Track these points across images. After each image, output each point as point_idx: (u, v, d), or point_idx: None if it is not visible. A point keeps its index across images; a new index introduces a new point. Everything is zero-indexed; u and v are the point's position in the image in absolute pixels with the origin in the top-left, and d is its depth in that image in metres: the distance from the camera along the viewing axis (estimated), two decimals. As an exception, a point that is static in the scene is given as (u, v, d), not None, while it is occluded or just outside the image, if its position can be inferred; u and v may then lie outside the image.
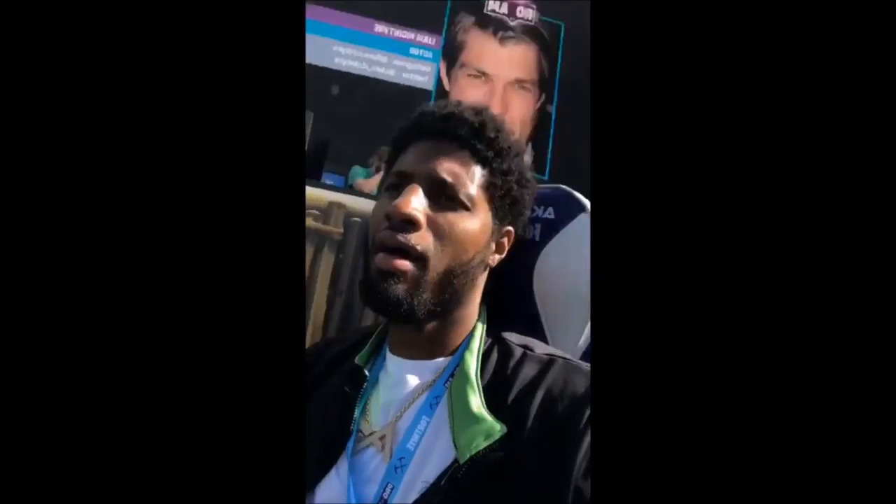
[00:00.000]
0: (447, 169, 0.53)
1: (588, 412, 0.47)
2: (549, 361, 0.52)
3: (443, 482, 0.47)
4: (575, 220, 0.60)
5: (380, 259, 0.51)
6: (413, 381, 0.54)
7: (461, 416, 0.49)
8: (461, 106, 0.57)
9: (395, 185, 0.54)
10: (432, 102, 0.62)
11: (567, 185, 0.64)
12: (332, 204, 1.22)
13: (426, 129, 0.56)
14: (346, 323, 1.13)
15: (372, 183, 3.72)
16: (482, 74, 3.67)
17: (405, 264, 0.50)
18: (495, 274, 0.57)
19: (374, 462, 0.51)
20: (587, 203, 0.61)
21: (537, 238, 0.60)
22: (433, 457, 0.49)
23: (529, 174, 0.59)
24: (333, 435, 0.53)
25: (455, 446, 0.48)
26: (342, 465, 0.51)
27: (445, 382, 0.52)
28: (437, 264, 0.51)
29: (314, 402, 0.57)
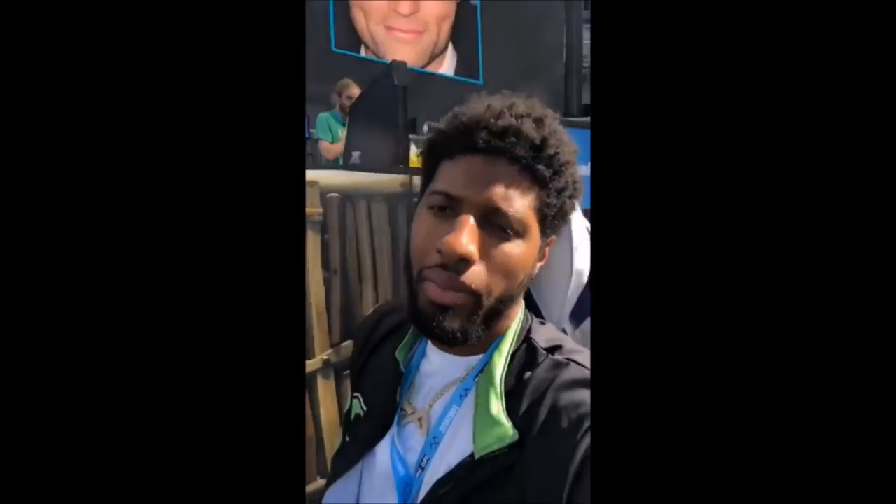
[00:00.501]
0: (504, 196, 0.50)
1: (586, 425, 0.48)
2: (566, 366, 0.53)
3: (459, 472, 0.51)
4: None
5: (433, 293, 0.50)
6: (448, 373, 0.57)
7: (482, 415, 0.52)
8: (517, 113, 0.52)
9: (444, 207, 0.51)
10: (479, 101, 0.54)
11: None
12: (307, 183, 1.19)
13: (480, 144, 0.50)
14: (346, 301, 1.19)
15: (337, 148, 3.45)
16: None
17: (460, 298, 0.50)
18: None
19: (415, 436, 0.57)
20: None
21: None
22: (457, 443, 0.53)
23: (579, 177, 0.56)
24: (386, 407, 0.59)
25: (473, 441, 0.51)
26: (393, 431, 0.58)
27: (475, 378, 0.55)
28: (490, 295, 0.51)
29: (370, 371, 0.63)
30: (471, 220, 0.49)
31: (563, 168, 0.53)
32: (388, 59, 5.24)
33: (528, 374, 0.53)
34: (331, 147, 3.49)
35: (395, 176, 1.23)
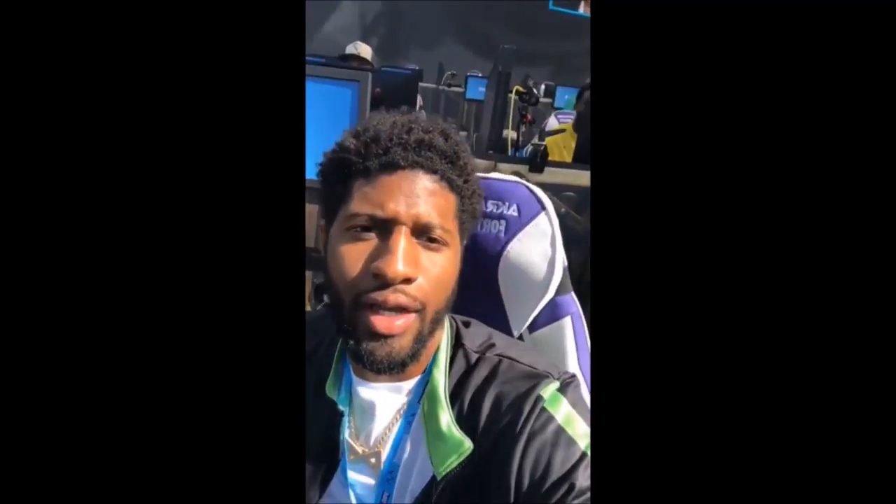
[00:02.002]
0: (432, 210, 0.50)
1: (524, 416, 0.49)
2: (498, 363, 0.54)
3: (425, 497, 0.51)
4: (535, 220, 0.71)
5: (381, 323, 0.48)
6: (389, 401, 0.55)
7: (434, 434, 0.52)
8: (424, 127, 0.52)
9: (369, 229, 0.49)
10: (380, 118, 0.54)
11: None
12: None
13: (397, 160, 0.49)
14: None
15: None
16: None
17: (408, 321, 0.49)
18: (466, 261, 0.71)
19: (368, 474, 0.55)
20: (547, 201, 0.71)
21: (503, 234, 0.73)
22: (416, 470, 0.52)
23: (479, 180, 0.57)
24: (326, 451, 0.56)
25: (431, 463, 0.51)
26: (339, 477, 0.56)
27: (419, 400, 0.54)
28: (430, 309, 0.50)
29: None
30: (403, 238, 0.48)
31: (470, 175, 0.54)
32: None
33: (466, 382, 0.53)
34: None
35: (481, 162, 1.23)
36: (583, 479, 0.47)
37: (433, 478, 0.51)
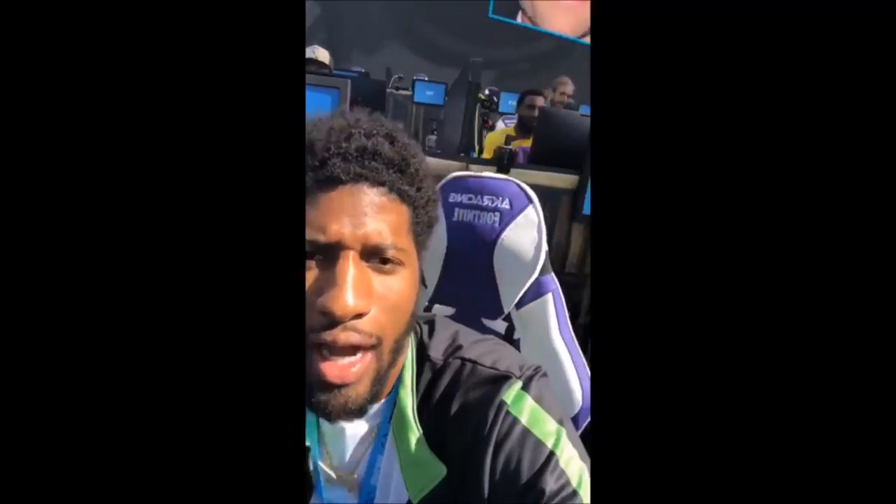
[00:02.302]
0: (382, 228, 0.44)
1: (488, 424, 0.47)
2: (460, 368, 0.51)
3: None
4: (524, 211, 0.85)
5: (332, 372, 0.42)
6: (356, 430, 0.51)
7: (406, 458, 0.50)
8: (367, 131, 0.46)
9: (311, 255, 0.43)
10: (318, 123, 0.47)
11: None
12: None
13: (337, 174, 0.43)
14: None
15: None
16: None
17: (363, 364, 0.44)
18: (463, 248, 0.84)
19: (347, 498, 0.53)
20: (533, 195, 0.85)
21: (497, 224, 0.85)
22: (392, 492, 0.51)
23: (434, 184, 0.52)
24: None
25: (406, 487, 0.49)
26: (316, 500, 0.52)
27: (389, 421, 0.52)
28: (388, 340, 0.45)
29: None
30: (351, 266, 0.42)
31: (423, 182, 0.48)
32: (545, 26, 5.17)
33: (432, 393, 0.51)
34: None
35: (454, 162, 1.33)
36: (552, 482, 0.45)
37: (409, 501, 0.50)
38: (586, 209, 1.57)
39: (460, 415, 0.49)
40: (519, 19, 5.53)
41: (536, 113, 2.36)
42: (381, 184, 0.45)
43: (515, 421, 0.48)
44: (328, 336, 0.42)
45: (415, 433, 0.50)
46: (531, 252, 0.85)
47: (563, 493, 0.45)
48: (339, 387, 0.43)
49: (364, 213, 0.43)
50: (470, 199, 0.85)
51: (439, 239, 0.85)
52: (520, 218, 0.85)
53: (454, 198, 0.86)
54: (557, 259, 1.52)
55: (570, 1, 5.23)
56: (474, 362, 0.52)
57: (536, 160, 1.78)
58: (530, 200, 0.85)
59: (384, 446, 0.51)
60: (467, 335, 0.56)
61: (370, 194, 0.44)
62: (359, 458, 0.52)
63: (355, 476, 0.53)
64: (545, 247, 0.85)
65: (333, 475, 0.53)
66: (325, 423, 0.52)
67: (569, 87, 3.31)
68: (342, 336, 0.42)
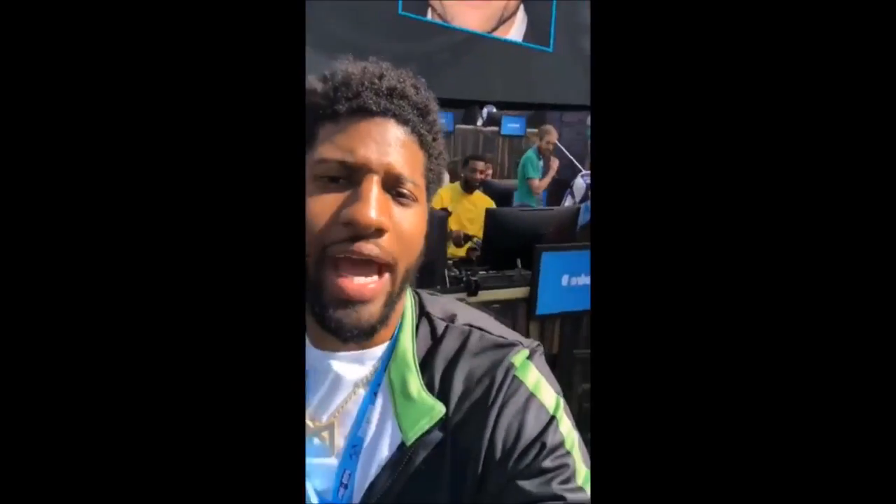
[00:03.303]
0: (402, 161, 0.47)
1: (497, 384, 0.49)
2: (469, 333, 0.53)
3: (394, 464, 0.49)
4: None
5: (350, 287, 0.45)
6: (349, 375, 0.52)
7: (403, 400, 0.50)
8: (396, 75, 0.50)
9: (339, 178, 0.46)
10: (351, 63, 0.50)
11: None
12: None
13: (369, 105, 0.47)
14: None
15: (544, 183, 4.16)
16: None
17: (379, 283, 0.47)
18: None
19: (323, 452, 0.52)
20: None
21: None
22: (383, 441, 0.50)
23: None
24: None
25: (401, 429, 0.49)
26: None
27: (385, 369, 0.52)
28: (401, 266, 0.48)
29: None
30: (375, 186, 0.46)
31: (438, 134, 0.52)
32: (455, 23, 5.41)
33: (436, 352, 0.52)
34: (539, 184, 4.07)
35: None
36: (553, 438, 0.48)
37: (401, 445, 0.49)
38: (539, 309, 1.88)
39: (468, 375, 0.50)
40: (429, 16, 5.72)
41: (478, 176, 3.14)
42: (406, 122, 0.49)
43: (522, 384, 0.50)
44: (350, 246, 0.45)
45: (415, 376, 0.51)
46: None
47: (559, 452, 0.48)
48: (356, 303, 0.46)
49: (389, 144, 0.47)
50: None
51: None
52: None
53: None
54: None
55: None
56: (482, 329, 0.54)
57: (486, 261, 2.20)
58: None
59: (376, 395, 0.52)
60: (463, 308, 0.59)
61: (395, 130, 0.48)
62: (340, 407, 0.52)
63: (333, 425, 0.52)
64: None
65: (309, 424, 0.52)
66: (312, 369, 0.52)
67: (553, 136, 3.83)
68: (365, 248, 0.45)
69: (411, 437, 0.49)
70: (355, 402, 0.52)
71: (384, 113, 0.48)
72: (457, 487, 0.49)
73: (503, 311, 1.88)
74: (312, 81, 0.49)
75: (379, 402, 0.52)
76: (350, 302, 0.46)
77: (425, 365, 0.52)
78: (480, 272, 2.04)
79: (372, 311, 0.47)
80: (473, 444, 0.48)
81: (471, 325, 0.54)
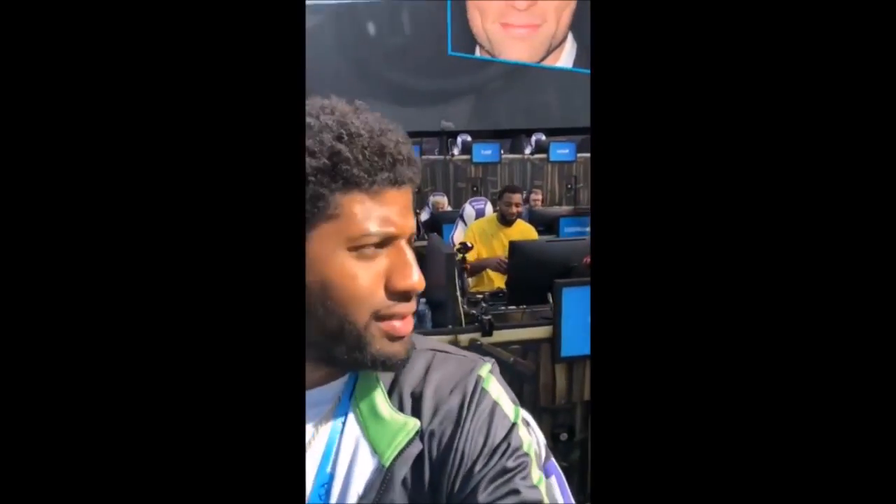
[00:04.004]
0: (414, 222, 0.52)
1: (468, 395, 0.51)
2: (433, 355, 0.55)
3: (373, 486, 0.48)
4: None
5: (397, 325, 0.49)
6: (311, 414, 0.51)
7: (374, 423, 0.50)
8: (404, 139, 0.51)
9: (378, 246, 0.48)
10: (366, 116, 0.49)
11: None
12: None
13: (403, 178, 0.49)
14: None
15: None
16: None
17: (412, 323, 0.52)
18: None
19: None
20: None
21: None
22: (356, 469, 0.50)
23: None
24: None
25: (376, 451, 0.49)
26: None
27: (351, 398, 0.52)
28: None
29: None
30: (408, 249, 0.50)
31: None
32: (503, 56, 5.43)
33: (401, 375, 0.53)
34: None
35: (444, 337, 1.39)
36: (514, 441, 0.51)
37: (379, 468, 0.49)
38: (563, 351, 1.74)
39: (438, 390, 0.52)
40: (477, 53, 5.78)
41: (514, 210, 3.00)
42: (414, 184, 0.52)
43: (487, 393, 0.53)
44: (402, 308, 0.49)
45: (383, 398, 0.52)
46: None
47: (520, 452, 0.51)
48: (402, 338, 0.50)
49: (409, 210, 0.51)
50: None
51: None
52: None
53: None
54: (548, 396, 1.78)
55: (521, 29, 5.48)
56: (444, 351, 0.57)
57: (512, 299, 2.03)
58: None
59: (344, 425, 0.51)
60: (420, 337, 0.59)
61: (407, 191, 0.51)
62: (311, 440, 0.52)
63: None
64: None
65: None
66: None
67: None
68: (411, 306, 0.51)
69: (389, 456, 0.49)
70: (321, 439, 0.52)
71: (410, 182, 0.51)
72: (437, 497, 0.50)
73: (524, 351, 1.71)
74: (329, 140, 0.47)
75: (348, 431, 0.52)
76: (400, 337, 0.50)
77: (392, 388, 0.54)
78: (502, 307, 1.89)
79: (409, 339, 0.52)
80: (447, 453, 0.50)
81: (433, 349, 0.57)
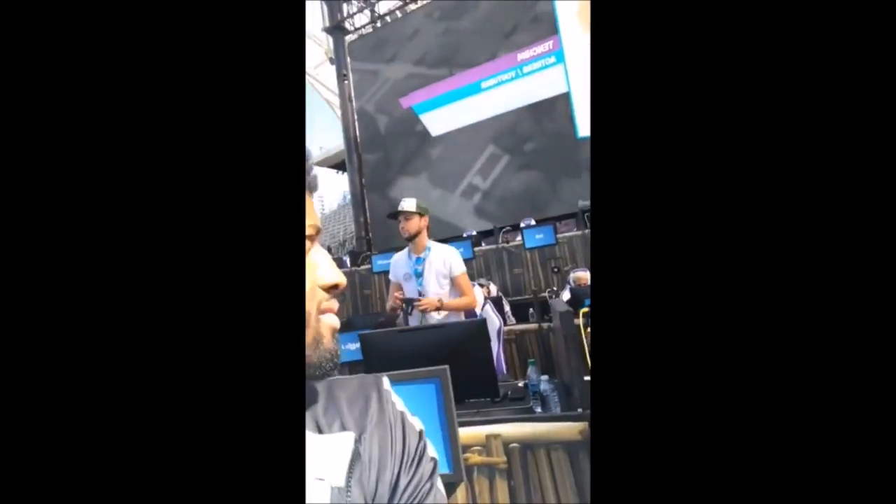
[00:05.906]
0: None
1: (373, 404, 0.52)
2: (332, 380, 0.54)
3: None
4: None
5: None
6: None
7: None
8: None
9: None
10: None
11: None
12: (489, 437, 1.20)
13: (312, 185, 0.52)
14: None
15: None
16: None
17: None
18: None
19: None
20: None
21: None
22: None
23: None
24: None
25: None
26: None
27: None
28: None
29: None
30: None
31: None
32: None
33: (311, 409, 0.52)
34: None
35: (573, 424, 1.23)
36: (430, 449, 0.53)
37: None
38: None
39: (347, 400, 0.52)
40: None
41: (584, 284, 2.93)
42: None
43: (393, 403, 0.54)
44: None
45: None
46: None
47: (431, 454, 0.53)
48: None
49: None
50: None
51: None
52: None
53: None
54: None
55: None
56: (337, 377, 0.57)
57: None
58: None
59: None
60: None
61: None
62: None
63: None
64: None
65: None
66: None
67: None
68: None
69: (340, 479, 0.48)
70: None
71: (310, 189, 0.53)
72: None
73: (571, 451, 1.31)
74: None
75: None
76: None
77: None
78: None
79: None
80: (377, 467, 0.51)
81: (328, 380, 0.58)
